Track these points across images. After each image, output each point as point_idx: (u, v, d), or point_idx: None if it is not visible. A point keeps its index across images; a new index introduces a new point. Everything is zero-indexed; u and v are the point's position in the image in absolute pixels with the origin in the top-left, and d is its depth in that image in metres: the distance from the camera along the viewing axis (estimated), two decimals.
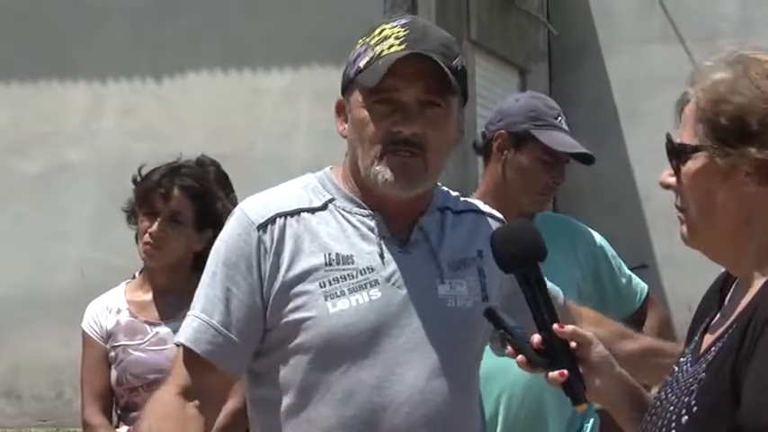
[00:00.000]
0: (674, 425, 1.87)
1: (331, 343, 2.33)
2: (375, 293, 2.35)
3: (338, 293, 2.35)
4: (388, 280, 2.37)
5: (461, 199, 2.58)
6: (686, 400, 1.87)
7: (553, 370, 2.07)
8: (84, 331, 3.92)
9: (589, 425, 3.59)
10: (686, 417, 1.85)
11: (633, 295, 3.71)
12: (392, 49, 2.36)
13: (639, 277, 3.79)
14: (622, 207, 14.17)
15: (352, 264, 2.37)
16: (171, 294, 3.81)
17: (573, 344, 2.10)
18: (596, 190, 13.63)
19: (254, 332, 2.38)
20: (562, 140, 3.44)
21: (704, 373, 1.86)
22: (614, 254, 3.67)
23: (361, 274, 2.36)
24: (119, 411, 3.89)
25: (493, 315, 2.19)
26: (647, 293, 3.76)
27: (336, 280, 2.36)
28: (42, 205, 10.84)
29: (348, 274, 2.36)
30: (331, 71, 10.12)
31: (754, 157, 1.85)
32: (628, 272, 3.73)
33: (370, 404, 2.34)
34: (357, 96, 2.40)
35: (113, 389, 3.85)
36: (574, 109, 14.65)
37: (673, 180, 1.95)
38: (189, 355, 2.39)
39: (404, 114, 2.35)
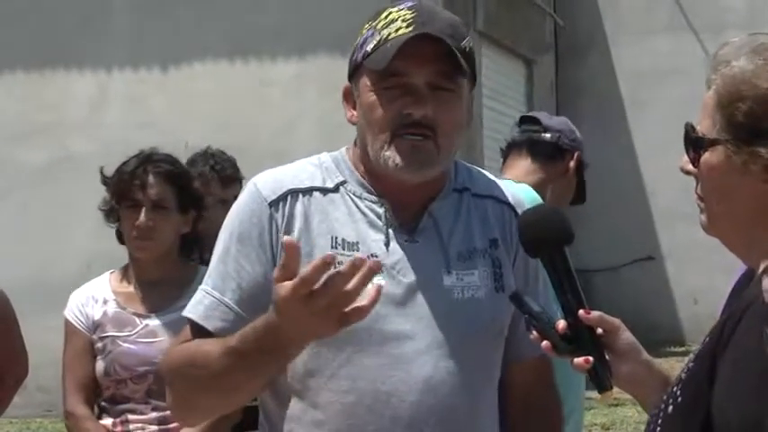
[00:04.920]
0: (661, 414, 1.82)
1: None
2: (378, 281, 2.29)
3: None
4: (392, 268, 2.34)
5: (486, 179, 2.53)
6: (674, 389, 1.82)
7: (578, 356, 2.05)
8: (67, 320, 3.90)
9: None
10: (671, 407, 1.80)
11: None
12: (399, 32, 2.33)
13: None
14: (628, 199, 14.14)
15: (357, 250, 2.34)
16: (160, 285, 3.79)
17: (599, 330, 2.08)
18: (602, 182, 13.62)
19: (264, 309, 2.32)
20: None
21: (692, 363, 1.81)
22: None
23: None
24: (102, 403, 3.84)
25: (518, 299, 2.17)
26: None
27: (340, 264, 2.31)
28: (47, 196, 10.83)
29: None
30: (337, 61, 10.09)
31: (765, 157, 1.77)
32: None
33: (374, 392, 2.31)
34: (365, 81, 2.37)
35: (98, 380, 3.82)
36: (580, 100, 14.62)
37: (692, 168, 1.88)
38: (198, 331, 2.38)
39: (414, 97, 2.32)
